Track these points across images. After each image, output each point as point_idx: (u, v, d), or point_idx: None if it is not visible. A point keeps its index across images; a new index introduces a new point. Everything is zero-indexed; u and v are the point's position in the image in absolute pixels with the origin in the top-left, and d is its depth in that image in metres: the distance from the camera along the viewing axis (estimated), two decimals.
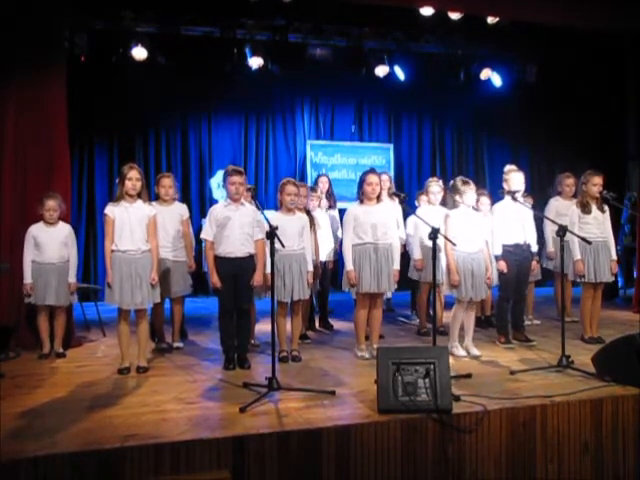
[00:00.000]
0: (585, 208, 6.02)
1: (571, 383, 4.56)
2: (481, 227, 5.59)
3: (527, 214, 5.92)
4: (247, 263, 5.18)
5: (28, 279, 5.58)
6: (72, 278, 5.76)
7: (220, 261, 5.14)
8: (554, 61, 9.66)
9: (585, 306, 6.08)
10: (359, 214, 5.42)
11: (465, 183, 5.52)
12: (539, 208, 6.98)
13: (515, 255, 5.85)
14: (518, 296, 6.04)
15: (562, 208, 6.74)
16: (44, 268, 5.60)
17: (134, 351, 5.13)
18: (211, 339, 6.22)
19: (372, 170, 5.57)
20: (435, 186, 6.57)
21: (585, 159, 8.34)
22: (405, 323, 7.31)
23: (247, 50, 8.72)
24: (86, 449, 3.38)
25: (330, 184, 7.30)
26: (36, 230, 5.64)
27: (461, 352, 5.50)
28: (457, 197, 5.54)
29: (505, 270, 5.77)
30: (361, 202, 5.50)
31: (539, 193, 7.25)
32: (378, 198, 5.49)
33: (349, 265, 5.38)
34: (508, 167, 6.03)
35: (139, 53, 8.26)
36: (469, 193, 5.50)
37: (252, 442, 3.57)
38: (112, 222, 5.00)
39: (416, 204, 7.25)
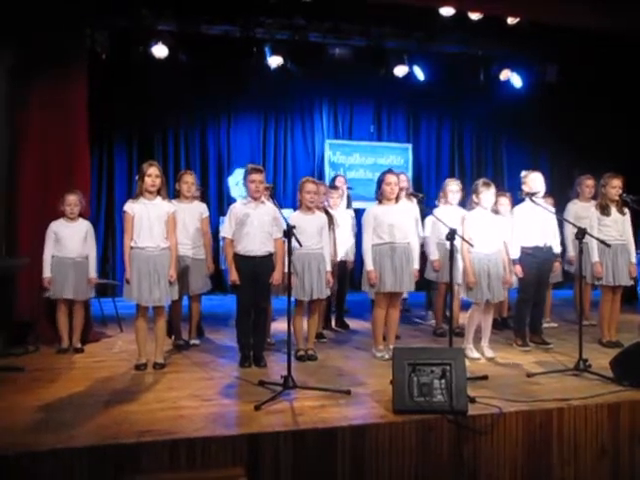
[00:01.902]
0: (604, 210, 5.97)
1: (588, 387, 4.52)
2: (499, 228, 5.55)
3: (549, 216, 5.86)
4: (266, 262, 5.20)
5: (47, 273, 5.65)
6: (92, 273, 5.83)
7: (239, 259, 5.15)
8: (576, 61, 9.56)
9: (603, 309, 6.03)
10: (379, 214, 5.42)
11: (485, 184, 5.49)
12: (559, 210, 6.92)
13: (535, 257, 5.81)
14: (537, 298, 5.99)
15: (581, 211, 6.68)
16: (63, 263, 5.68)
17: (151, 347, 5.17)
18: (228, 337, 6.23)
19: (390, 170, 5.58)
20: (453, 185, 6.55)
21: (606, 161, 8.26)
22: (421, 323, 7.29)
23: (266, 49, 8.73)
24: (103, 443, 3.41)
25: (347, 184, 7.31)
26: (57, 226, 5.72)
27: (475, 354, 5.47)
28: (474, 197, 5.53)
29: (520, 274, 5.73)
30: (379, 202, 5.50)
31: (558, 196, 7.18)
32: (397, 198, 5.48)
33: (369, 265, 5.38)
34: (525, 172, 5.99)
35: (159, 51, 8.30)
36: (486, 194, 5.46)
37: (267, 440, 3.58)
38: (131, 219, 5.03)
39: (436, 204, 7.22)
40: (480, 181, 5.58)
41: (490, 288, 5.42)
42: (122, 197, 8.69)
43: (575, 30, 7.86)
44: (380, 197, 5.48)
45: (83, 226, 5.83)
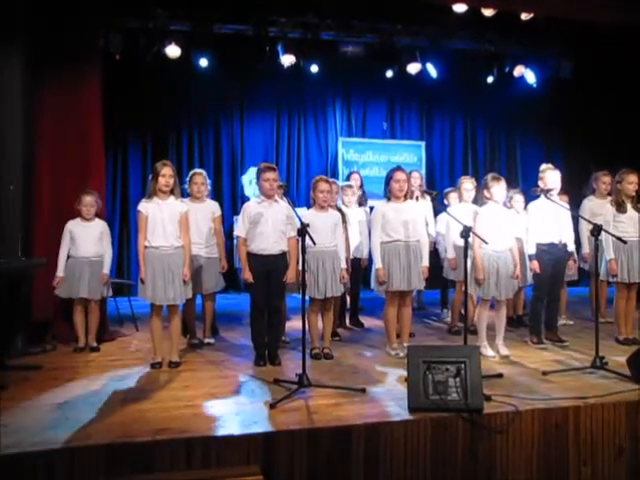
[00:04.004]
0: (620, 207, 5.93)
1: (605, 385, 4.48)
2: (511, 225, 5.51)
3: (564, 213, 5.82)
4: (280, 260, 5.20)
5: (60, 272, 5.71)
6: (106, 270, 5.87)
7: (253, 258, 5.16)
8: (590, 57, 9.49)
9: (619, 306, 5.99)
10: (388, 212, 5.40)
11: (494, 179, 5.46)
12: (573, 208, 6.88)
13: (550, 254, 5.77)
14: (552, 296, 5.95)
15: (596, 208, 6.63)
16: (79, 262, 5.73)
17: (166, 346, 5.19)
18: (242, 335, 6.26)
19: (399, 167, 5.54)
20: (468, 183, 6.53)
21: (621, 158, 8.18)
22: (436, 321, 7.27)
23: (279, 48, 8.74)
24: (119, 441, 3.44)
25: (362, 181, 7.30)
26: (73, 225, 5.78)
27: (490, 352, 5.44)
28: (485, 192, 5.50)
29: (537, 270, 5.69)
30: (388, 200, 5.48)
31: (573, 193, 7.12)
32: (406, 196, 5.47)
33: (378, 263, 5.37)
34: (544, 165, 5.95)
35: (173, 51, 8.34)
36: (496, 189, 5.42)
37: (282, 438, 3.59)
38: (145, 218, 5.06)
39: (445, 202, 7.21)
40: (489, 175, 5.55)
41: (498, 285, 5.38)
42: (137, 197, 8.72)
43: (590, 26, 7.80)
44: (389, 195, 5.47)
45: (99, 226, 5.89)
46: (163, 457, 3.41)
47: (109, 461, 3.36)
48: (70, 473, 3.31)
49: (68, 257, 5.76)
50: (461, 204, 6.57)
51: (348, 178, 7.40)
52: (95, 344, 5.81)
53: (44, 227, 6.04)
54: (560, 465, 3.99)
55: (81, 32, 6.24)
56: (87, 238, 5.78)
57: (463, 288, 6.33)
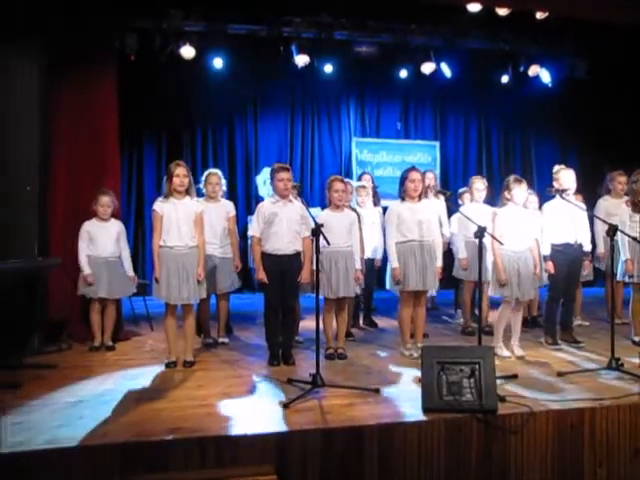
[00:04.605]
0: (636, 207, 5.88)
1: (621, 386, 4.45)
2: (530, 225, 5.50)
3: (579, 213, 5.78)
4: (294, 260, 5.20)
5: (87, 270, 5.75)
6: (130, 271, 5.98)
7: (267, 258, 5.17)
8: (606, 57, 9.41)
9: (635, 307, 5.94)
10: (403, 212, 5.39)
11: (516, 181, 5.47)
12: (588, 208, 6.84)
13: (565, 255, 5.73)
14: (568, 296, 5.92)
15: (612, 208, 6.58)
16: (97, 262, 5.79)
17: (181, 345, 5.22)
18: (256, 335, 6.28)
19: (414, 167, 5.54)
20: (479, 183, 6.52)
21: (637, 158, 8.11)
22: (449, 322, 7.25)
23: (293, 48, 8.74)
24: (134, 440, 3.46)
25: (374, 182, 7.30)
26: (89, 225, 5.83)
27: (506, 353, 5.42)
28: (506, 194, 5.49)
29: (552, 271, 5.66)
30: (403, 200, 5.48)
31: (587, 193, 7.07)
32: (420, 196, 5.46)
33: (394, 263, 5.37)
34: (557, 166, 5.92)
35: (187, 52, 8.36)
36: (517, 190, 5.43)
37: (295, 438, 3.59)
38: (160, 218, 5.09)
39: (459, 202, 7.20)
40: (512, 177, 5.55)
41: (520, 286, 5.37)
42: (152, 197, 8.73)
43: (606, 25, 7.73)
44: (403, 194, 5.47)
45: (115, 226, 5.94)
46: (177, 456, 3.43)
47: (124, 460, 3.38)
48: (85, 471, 3.33)
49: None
50: (473, 204, 6.56)
51: (359, 179, 7.39)
52: (111, 343, 5.85)
53: (60, 227, 6.09)
54: (575, 467, 3.96)
55: (97, 32, 6.30)
56: (104, 238, 5.83)
57: (472, 288, 6.39)
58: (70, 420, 3.78)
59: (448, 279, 6.49)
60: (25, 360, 5.18)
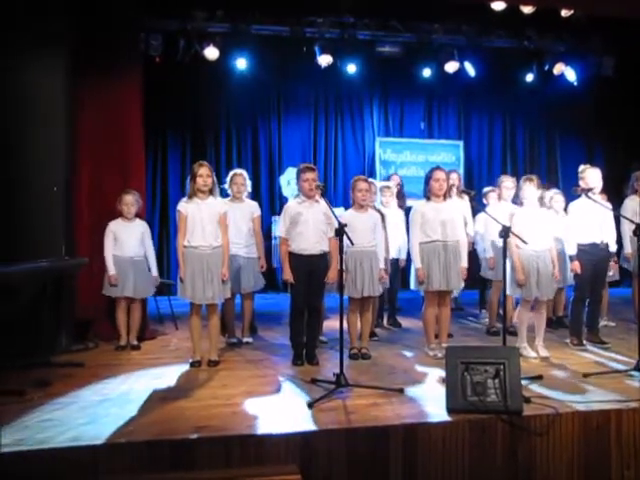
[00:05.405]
0: None
1: None
2: (549, 225, 5.46)
3: (605, 213, 5.72)
4: (321, 260, 5.20)
5: (112, 270, 5.79)
6: (155, 272, 6.02)
7: (294, 258, 5.17)
8: (633, 53, 9.28)
9: None
10: (427, 212, 5.38)
11: (526, 179, 5.46)
12: (614, 207, 6.76)
13: (591, 255, 5.67)
14: (594, 297, 5.86)
15: (639, 207, 6.49)
16: (122, 262, 5.83)
17: (205, 345, 5.25)
18: (280, 334, 6.29)
19: (439, 167, 5.52)
20: (509, 182, 6.47)
21: None
22: (474, 322, 7.21)
23: (316, 48, 8.76)
24: (159, 439, 3.49)
25: (402, 183, 7.29)
26: (115, 225, 5.88)
27: (531, 353, 5.38)
28: (520, 193, 5.49)
29: (579, 271, 5.61)
30: (427, 199, 5.46)
31: (614, 192, 6.98)
32: (445, 195, 5.44)
33: (418, 263, 5.35)
34: (582, 166, 5.86)
35: (211, 53, 8.43)
36: (526, 189, 5.41)
37: (320, 438, 3.60)
38: (184, 218, 5.12)
39: (484, 202, 7.15)
40: (523, 177, 5.54)
41: (539, 285, 5.33)
42: (176, 197, 8.80)
43: (633, 21, 7.63)
44: (428, 194, 5.45)
45: (140, 226, 5.98)
46: (202, 455, 3.45)
47: (150, 458, 3.41)
48: (112, 468, 3.36)
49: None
50: (500, 203, 6.51)
51: (388, 179, 7.38)
52: (136, 342, 5.91)
53: (85, 227, 6.14)
54: (602, 469, 3.92)
55: (122, 34, 6.35)
56: (129, 238, 5.88)
57: (501, 288, 6.34)
58: (96, 418, 3.82)
59: (473, 279, 6.45)
60: (53, 359, 5.25)
